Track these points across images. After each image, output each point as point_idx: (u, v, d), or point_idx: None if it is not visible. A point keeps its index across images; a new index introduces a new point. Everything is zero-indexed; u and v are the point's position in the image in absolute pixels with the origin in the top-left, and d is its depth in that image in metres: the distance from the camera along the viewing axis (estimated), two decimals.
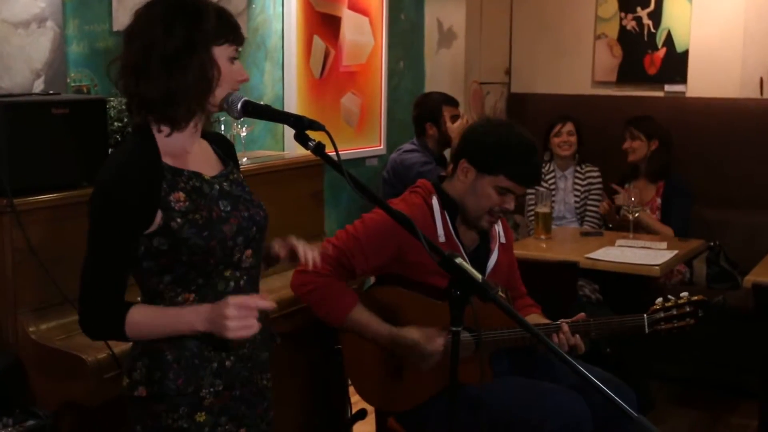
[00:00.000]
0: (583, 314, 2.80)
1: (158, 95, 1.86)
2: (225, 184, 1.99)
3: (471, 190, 2.78)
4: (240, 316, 1.80)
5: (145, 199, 1.84)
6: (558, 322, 2.74)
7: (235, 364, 1.96)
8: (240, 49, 1.94)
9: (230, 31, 1.91)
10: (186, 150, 1.95)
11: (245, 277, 1.98)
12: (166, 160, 1.90)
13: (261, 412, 2.06)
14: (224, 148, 2.11)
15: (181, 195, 1.88)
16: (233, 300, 1.82)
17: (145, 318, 1.87)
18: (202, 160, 2.00)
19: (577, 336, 2.72)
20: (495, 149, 2.74)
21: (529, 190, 4.80)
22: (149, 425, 1.94)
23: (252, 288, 2.02)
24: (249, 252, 1.98)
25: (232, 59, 1.92)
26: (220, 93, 1.91)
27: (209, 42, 1.87)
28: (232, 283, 1.95)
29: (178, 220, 1.85)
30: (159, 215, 1.85)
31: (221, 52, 1.89)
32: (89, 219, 1.87)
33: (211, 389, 1.93)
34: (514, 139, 2.76)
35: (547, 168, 4.94)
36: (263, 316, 2.05)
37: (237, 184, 2.03)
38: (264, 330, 2.03)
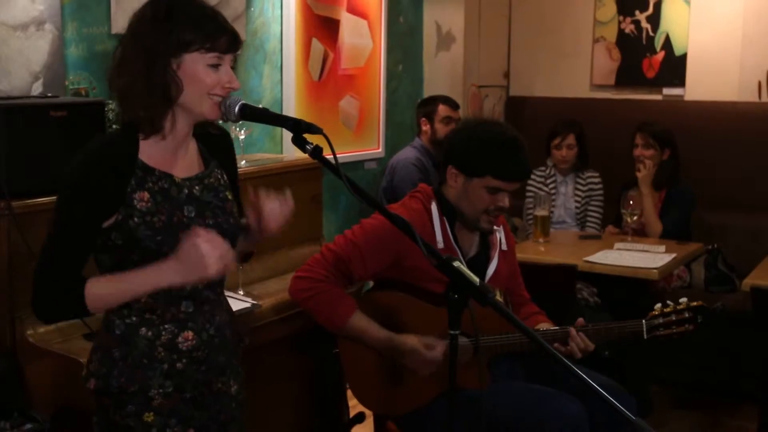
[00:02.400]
0: (581, 320, 2.79)
1: (116, 96, 1.90)
2: (196, 188, 1.96)
3: (463, 194, 2.78)
4: (214, 248, 1.79)
5: (110, 188, 1.83)
6: (566, 328, 2.73)
7: (187, 367, 1.95)
8: (222, 55, 1.89)
9: (206, 39, 1.87)
10: (164, 153, 1.93)
11: (206, 283, 1.95)
12: (142, 155, 1.90)
13: (214, 414, 2.03)
14: (213, 143, 2.07)
15: (146, 195, 1.87)
16: (200, 238, 1.78)
17: (105, 287, 1.85)
18: (182, 161, 1.98)
19: (584, 336, 2.72)
20: (478, 152, 2.73)
21: (528, 194, 4.82)
22: (101, 418, 1.96)
23: (213, 293, 2.02)
24: None
25: (215, 66, 1.89)
26: (195, 100, 1.89)
27: (169, 51, 1.85)
28: (188, 286, 1.93)
29: (136, 219, 1.85)
30: (120, 210, 1.84)
31: (195, 60, 1.87)
32: (57, 199, 1.87)
33: (161, 390, 1.92)
34: (495, 138, 2.74)
35: (548, 172, 4.94)
36: (228, 318, 2.07)
37: (211, 189, 2.00)
38: (223, 333, 2.04)
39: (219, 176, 2.04)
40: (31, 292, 1.85)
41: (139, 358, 1.91)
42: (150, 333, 1.92)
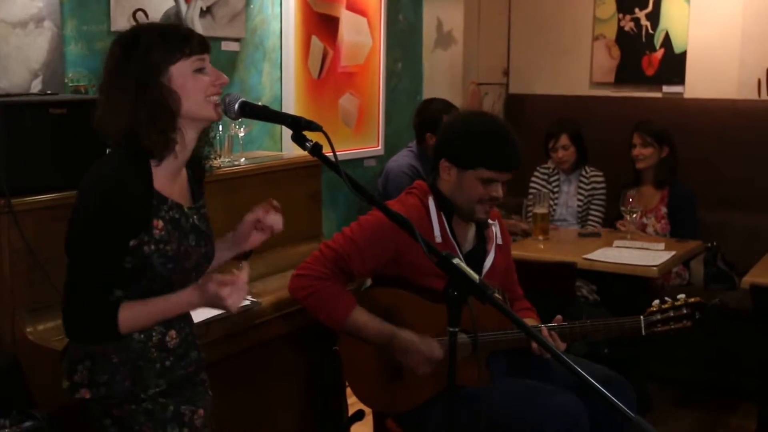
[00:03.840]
0: (560, 317, 2.80)
1: (122, 137, 1.92)
2: (195, 217, 2.05)
3: (457, 187, 2.79)
4: (231, 290, 1.91)
5: (138, 210, 1.89)
6: (538, 327, 2.75)
7: (173, 364, 2.04)
8: (202, 56, 1.94)
9: (181, 45, 1.91)
10: (172, 181, 1.99)
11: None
12: (156, 185, 1.95)
13: (201, 405, 2.12)
14: (198, 176, 2.14)
15: (160, 223, 1.93)
16: (219, 284, 1.91)
17: (138, 313, 1.94)
18: (182, 189, 2.05)
19: (556, 335, 2.73)
20: (468, 144, 2.76)
21: (530, 192, 4.82)
22: (109, 423, 2.00)
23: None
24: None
25: (199, 69, 1.93)
26: (196, 106, 1.93)
27: (155, 70, 1.89)
28: (175, 289, 2.02)
29: (152, 246, 1.91)
30: (140, 235, 1.89)
31: (181, 68, 1.91)
32: (75, 223, 1.89)
33: (157, 389, 2.00)
34: (484, 129, 2.77)
35: (551, 170, 4.93)
36: (189, 318, 2.15)
37: (203, 218, 2.09)
38: (192, 329, 2.15)
39: (204, 206, 2.14)
40: (63, 316, 1.93)
41: (136, 360, 1.97)
42: (142, 335, 1.99)
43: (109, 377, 1.95)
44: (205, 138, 2.08)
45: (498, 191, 2.77)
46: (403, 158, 4.57)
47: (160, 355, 2.02)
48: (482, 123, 2.80)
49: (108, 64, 1.95)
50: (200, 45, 1.95)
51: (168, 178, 1.97)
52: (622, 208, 4.32)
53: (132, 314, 1.92)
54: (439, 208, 2.81)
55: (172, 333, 2.05)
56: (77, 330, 1.93)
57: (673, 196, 4.66)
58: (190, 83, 1.91)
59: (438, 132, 2.99)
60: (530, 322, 2.89)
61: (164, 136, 1.90)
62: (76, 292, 1.90)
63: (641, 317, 2.80)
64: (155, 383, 2.00)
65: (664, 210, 4.67)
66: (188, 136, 1.97)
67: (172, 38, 1.92)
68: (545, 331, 2.72)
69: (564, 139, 4.82)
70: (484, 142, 2.74)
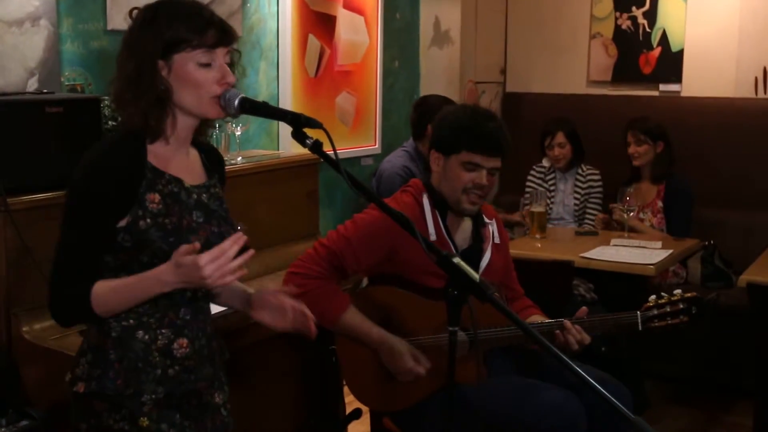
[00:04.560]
0: (585, 308, 2.80)
1: (115, 105, 1.93)
2: (204, 195, 1.98)
3: (444, 176, 2.79)
4: (211, 259, 1.75)
5: (122, 191, 1.83)
6: (560, 321, 2.74)
7: (179, 374, 1.94)
8: (212, 50, 1.87)
9: (191, 34, 1.86)
10: (171, 157, 1.94)
11: (203, 290, 1.97)
12: (151, 159, 1.90)
13: (202, 424, 2.01)
14: (214, 161, 2.10)
15: (157, 197, 1.87)
16: (204, 260, 1.75)
17: (111, 291, 1.84)
18: (187, 167, 1.99)
19: (580, 329, 2.72)
20: (451, 129, 2.79)
21: (526, 190, 4.82)
22: (92, 423, 1.91)
23: (206, 302, 2.04)
24: None
25: (204, 64, 1.87)
26: (193, 100, 1.89)
27: (156, 52, 1.85)
28: (188, 293, 1.94)
29: (148, 220, 1.85)
30: (132, 211, 1.84)
31: (184, 59, 1.86)
32: (65, 205, 1.86)
33: (153, 396, 1.90)
34: (467, 113, 2.81)
35: (547, 169, 4.93)
36: (210, 331, 2.06)
37: (216, 198, 2.01)
38: (211, 344, 2.04)
39: (220, 189, 2.06)
40: (47, 297, 1.86)
41: (135, 361, 1.89)
42: (147, 337, 1.91)
43: (101, 372, 1.88)
44: (207, 128, 2.03)
45: (482, 178, 2.75)
46: (398, 159, 4.51)
47: (163, 361, 1.91)
48: (467, 110, 2.85)
49: (125, 35, 1.93)
50: (215, 38, 1.87)
51: (166, 155, 1.92)
52: (619, 207, 4.33)
53: (102, 291, 1.83)
54: (433, 206, 2.80)
55: (183, 341, 1.94)
56: (55, 310, 1.88)
57: (669, 191, 4.68)
58: (191, 75, 1.86)
59: (431, 126, 3.02)
60: (537, 318, 2.88)
61: (147, 120, 1.86)
62: (58, 272, 1.85)
63: (638, 312, 2.80)
64: (152, 389, 1.90)
65: (660, 204, 4.68)
66: (180, 126, 1.92)
67: (188, 24, 1.86)
68: (569, 325, 2.71)
69: (560, 137, 4.83)
70: (465, 124, 2.76)
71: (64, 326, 2.01)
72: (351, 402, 3.11)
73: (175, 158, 1.95)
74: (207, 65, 1.87)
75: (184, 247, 1.78)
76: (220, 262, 1.75)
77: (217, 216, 1.98)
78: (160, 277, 1.81)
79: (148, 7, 1.91)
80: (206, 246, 1.88)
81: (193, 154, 2.03)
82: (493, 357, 2.83)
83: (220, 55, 1.89)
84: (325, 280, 2.71)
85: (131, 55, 1.87)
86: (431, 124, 3.02)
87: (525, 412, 2.62)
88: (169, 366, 1.93)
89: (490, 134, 2.75)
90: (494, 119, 2.81)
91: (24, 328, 2.50)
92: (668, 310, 2.80)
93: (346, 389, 2.99)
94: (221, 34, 1.89)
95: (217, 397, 2.07)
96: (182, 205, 1.91)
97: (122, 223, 1.84)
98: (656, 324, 2.80)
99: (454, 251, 2.77)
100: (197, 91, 1.87)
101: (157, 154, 1.91)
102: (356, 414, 3.33)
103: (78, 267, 1.85)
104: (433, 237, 2.75)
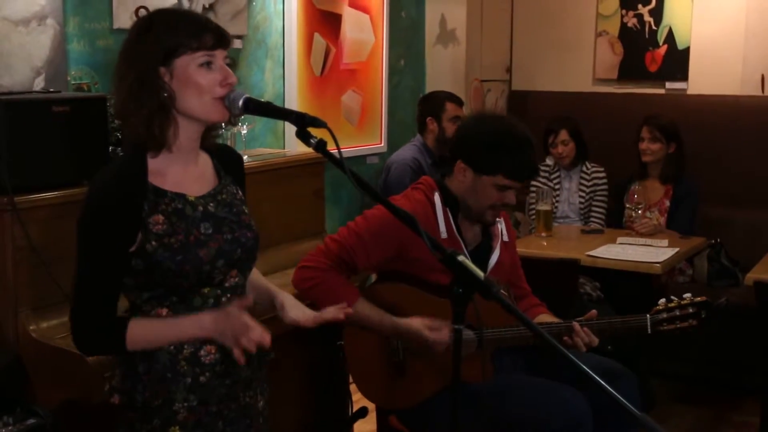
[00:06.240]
0: (594, 311, 2.79)
1: (118, 119, 1.93)
2: (211, 205, 1.96)
3: (471, 190, 2.78)
4: (247, 331, 1.83)
5: (126, 219, 1.84)
6: (569, 322, 2.73)
7: (210, 380, 1.93)
8: (211, 52, 1.87)
9: (190, 38, 1.86)
10: (177, 169, 1.93)
11: (229, 295, 1.96)
12: (153, 179, 1.89)
13: (243, 428, 2.01)
14: (227, 161, 2.08)
15: (160, 218, 1.86)
16: (240, 321, 1.83)
17: (145, 331, 1.88)
18: (194, 177, 1.97)
19: (589, 331, 2.72)
20: (490, 150, 2.74)
21: (531, 188, 4.81)
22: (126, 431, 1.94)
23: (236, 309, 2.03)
24: (234, 272, 1.96)
25: (206, 64, 1.87)
26: (197, 105, 1.88)
27: (157, 60, 1.85)
28: (211, 300, 1.94)
29: (153, 243, 1.85)
30: (139, 235, 1.85)
31: (185, 62, 1.86)
32: (77, 235, 1.87)
33: (185, 404, 1.91)
34: (508, 137, 2.75)
35: (551, 167, 4.93)
36: None
37: (225, 204, 1.99)
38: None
39: (234, 191, 2.04)
40: (70, 328, 1.87)
41: (162, 372, 1.90)
42: (172, 347, 1.90)
43: (131, 385, 1.90)
44: (213, 132, 2.02)
45: (512, 198, 2.79)
46: (407, 151, 4.67)
47: (192, 370, 1.91)
48: (506, 131, 2.77)
49: (121, 48, 1.92)
50: (213, 40, 1.87)
51: (168, 170, 1.92)
52: (627, 205, 4.32)
53: (139, 330, 1.87)
54: (444, 205, 2.80)
55: (210, 348, 1.92)
56: (80, 341, 1.89)
57: (678, 192, 4.65)
58: (193, 77, 1.86)
59: (456, 131, 2.99)
60: (545, 317, 2.88)
61: (150, 130, 1.85)
62: (79, 304, 1.86)
63: (647, 316, 2.79)
64: (183, 398, 1.90)
65: (667, 204, 4.66)
66: (184, 134, 1.90)
67: (185, 29, 1.86)
68: (577, 327, 2.70)
69: (563, 135, 4.82)
70: (507, 150, 2.73)
71: (88, 356, 2.02)
72: (358, 400, 3.12)
73: (179, 170, 1.93)
74: (208, 68, 1.88)
75: (238, 302, 1.86)
76: (254, 335, 1.84)
77: (228, 222, 1.97)
78: (202, 324, 1.87)
79: (142, 19, 1.93)
80: (219, 255, 1.90)
81: (204, 159, 2.02)
82: (500, 355, 2.83)
83: (220, 57, 1.90)
84: (335, 273, 2.72)
85: (131, 66, 1.87)
86: (455, 133, 2.98)
87: (532, 410, 2.62)
88: (199, 374, 1.92)
89: (531, 163, 2.77)
90: (532, 144, 2.77)
91: (31, 327, 2.51)
92: (678, 314, 2.79)
93: (353, 387, 2.99)
94: (218, 37, 1.89)
95: (259, 401, 2.07)
96: (188, 221, 1.90)
97: (132, 248, 1.85)
98: (665, 327, 2.80)
99: (464, 249, 2.78)
100: (201, 93, 1.87)
101: (159, 170, 1.90)
102: (362, 412, 3.33)
103: (97, 297, 1.86)
104: (444, 235, 2.76)
